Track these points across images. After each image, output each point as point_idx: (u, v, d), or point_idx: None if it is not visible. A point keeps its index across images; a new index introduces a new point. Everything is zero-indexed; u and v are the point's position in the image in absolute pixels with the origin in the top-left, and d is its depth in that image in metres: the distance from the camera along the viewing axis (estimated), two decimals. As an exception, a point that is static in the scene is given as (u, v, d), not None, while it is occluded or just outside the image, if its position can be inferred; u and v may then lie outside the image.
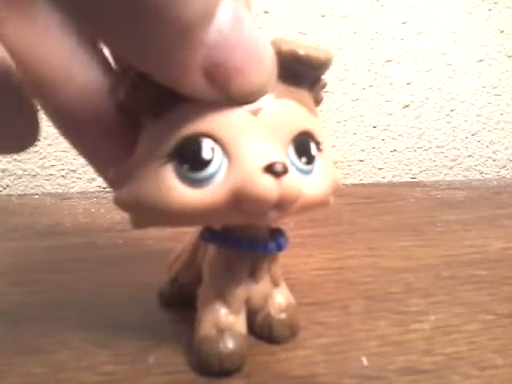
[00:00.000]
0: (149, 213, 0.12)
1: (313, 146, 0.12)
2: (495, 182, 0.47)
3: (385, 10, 0.48)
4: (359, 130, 0.49)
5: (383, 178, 0.51)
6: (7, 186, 0.41)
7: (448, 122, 0.51)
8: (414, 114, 0.50)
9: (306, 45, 0.12)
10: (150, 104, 0.11)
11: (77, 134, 0.12)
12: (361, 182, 0.51)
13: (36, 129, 0.12)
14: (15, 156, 0.41)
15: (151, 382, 0.13)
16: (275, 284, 0.15)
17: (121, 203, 0.12)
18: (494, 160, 0.54)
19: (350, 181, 0.50)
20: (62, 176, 0.42)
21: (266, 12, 0.46)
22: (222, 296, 0.14)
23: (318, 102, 0.13)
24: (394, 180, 0.51)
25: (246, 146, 0.11)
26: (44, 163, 0.42)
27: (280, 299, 0.15)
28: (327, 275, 0.21)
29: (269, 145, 0.11)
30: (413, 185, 0.46)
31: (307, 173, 0.12)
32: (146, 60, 0.10)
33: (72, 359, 0.14)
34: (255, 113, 0.11)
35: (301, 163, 0.12)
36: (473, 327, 0.16)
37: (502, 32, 0.51)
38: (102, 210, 0.33)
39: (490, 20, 0.51)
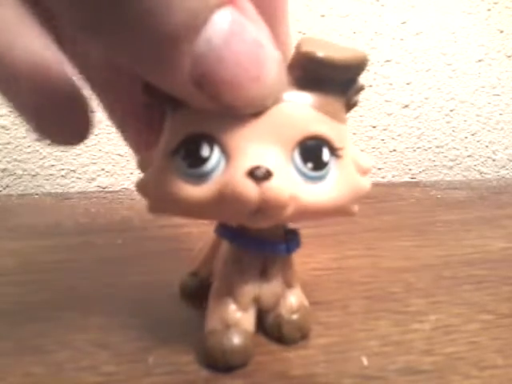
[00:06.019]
0: (158, 202, 0.13)
1: (325, 152, 0.12)
2: (495, 182, 0.47)
3: (384, 10, 0.48)
4: (359, 130, 0.49)
5: (383, 178, 0.51)
6: (7, 186, 0.41)
7: (447, 122, 0.51)
8: (414, 114, 0.50)
9: (335, 46, 0.11)
10: (170, 96, 0.11)
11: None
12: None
13: (88, 124, 0.13)
14: (15, 156, 0.41)
15: (151, 382, 0.13)
16: (288, 285, 0.15)
17: (138, 188, 0.13)
18: (494, 160, 0.54)
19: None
20: (62, 176, 0.42)
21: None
22: (231, 292, 0.14)
23: (350, 106, 0.13)
24: (394, 180, 0.51)
25: (242, 148, 0.11)
26: (44, 163, 0.42)
27: (292, 300, 0.15)
28: (327, 275, 0.21)
29: (266, 148, 0.11)
30: (413, 185, 0.46)
31: (315, 179, 0.12)
32: (139, 66, 0.10)
33: (72, 359, 0.14)
34: (257, 114, 0.11)
35: (306, 169, 0.11)
36: (473, 327, 0.16)
37: (501, 32, 0.51)
38: (102, 210, 0.33)
39: (490, 20, 0.51)
